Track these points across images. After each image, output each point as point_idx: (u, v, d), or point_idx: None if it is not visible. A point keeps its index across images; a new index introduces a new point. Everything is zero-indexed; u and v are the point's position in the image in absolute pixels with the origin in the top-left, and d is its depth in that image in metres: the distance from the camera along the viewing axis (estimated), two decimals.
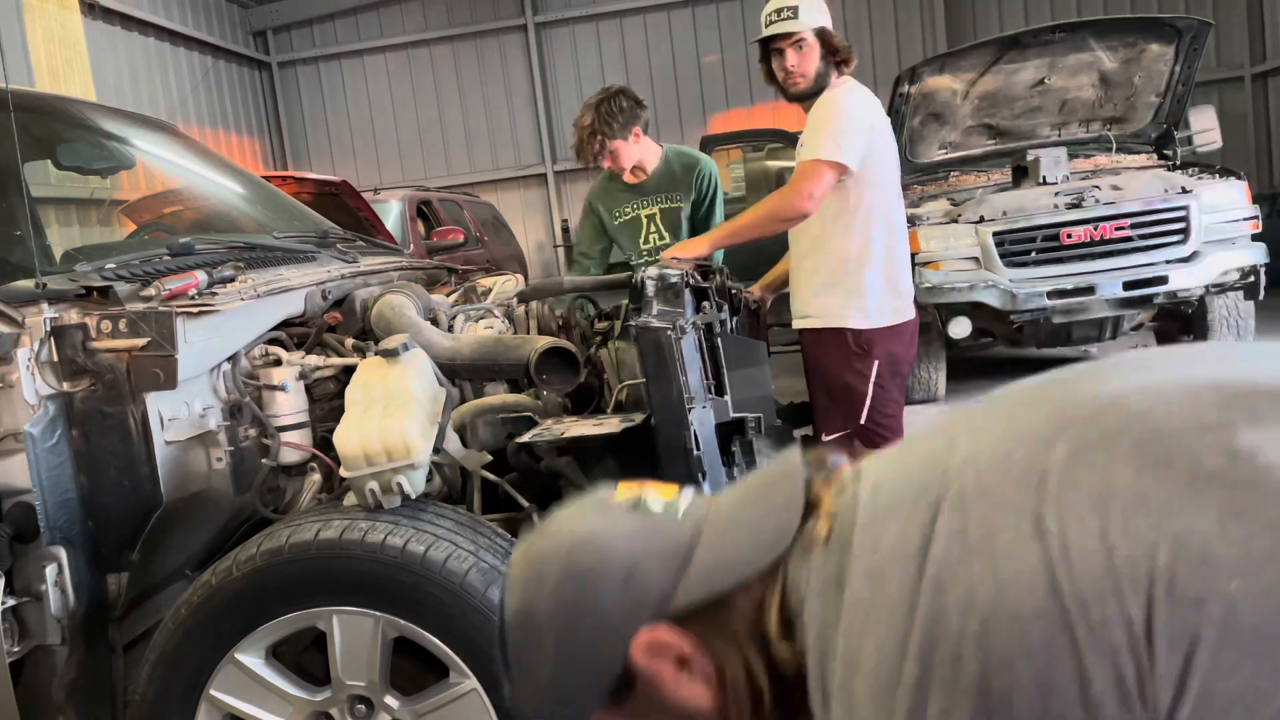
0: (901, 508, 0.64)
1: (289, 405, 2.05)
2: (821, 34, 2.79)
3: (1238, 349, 0.62)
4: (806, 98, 2.82)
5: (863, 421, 2.77)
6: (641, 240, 3.62)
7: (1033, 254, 5.80)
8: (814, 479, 0.76)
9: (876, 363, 2.73)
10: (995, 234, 5.79)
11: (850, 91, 2.76)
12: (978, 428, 0.65)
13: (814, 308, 2.80)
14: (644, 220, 3.64)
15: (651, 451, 1.86)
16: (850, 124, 2.63)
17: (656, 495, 0.83)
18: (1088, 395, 0.62)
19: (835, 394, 2.79)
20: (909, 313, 2.83)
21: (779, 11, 2.81)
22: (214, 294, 1.94)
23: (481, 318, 2.57)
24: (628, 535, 0.80)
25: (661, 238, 3.54)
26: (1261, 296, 5.81)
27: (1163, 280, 5.61)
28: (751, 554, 0.75)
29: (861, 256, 2.72)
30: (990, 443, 0.63)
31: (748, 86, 12.49)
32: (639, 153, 3.49)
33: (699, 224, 3.56)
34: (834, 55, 2.79)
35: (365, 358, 2.07)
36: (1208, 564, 0.52)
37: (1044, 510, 0.57)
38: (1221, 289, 5.77)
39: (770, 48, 2.84)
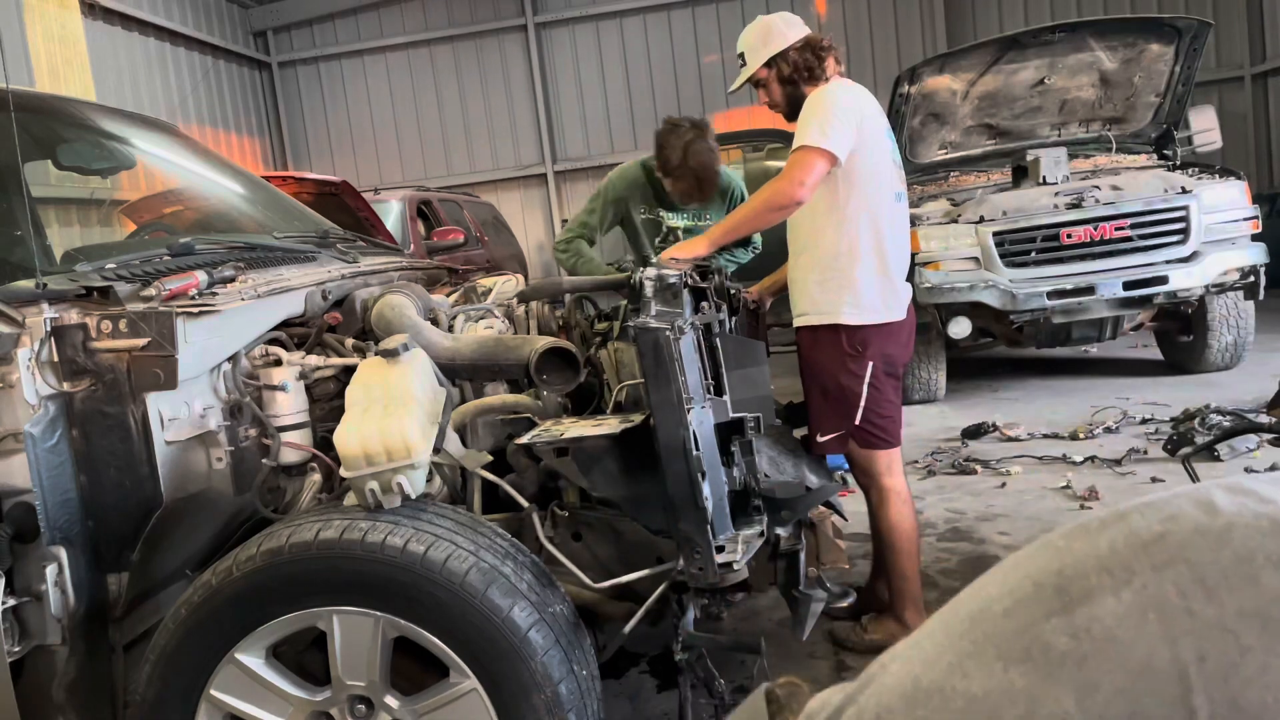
0: None
1: (289, 405, 2.05)
2: (775, 63, 2.84)
3: (1076, 534, 0.65)
4: (793, 119, 2.85)
5: (857, 422, 2.77)
6: (659, 241, 3.69)
7: (1033, 254, 5.80)
8: (778, 715, 0.77)
9: (871, 363, 2.73)
10: (995, 234, 5.80)
11: (838, 86, 2.77)
12: (892, 655, 0.68)
13: (808, 304, 2.80)
14: (666, 229, 3.72)
15: (651, 452, 1.86)
16: (836, 114, 2.63)
17: None
18: (968, 609, 0.64)
19: (830, 394, 2.79)
20: (904, 311, 2.83)
21: (738, 58, 2.98)
22: (214, 294, 1.94)
23: (481, 318, 2.57)
24: None
25: None
26: (1261, 296, 5.82)
27: (1163, 280, 5.62)
28: None
29: (853, 251, 2.72)
30: (896, 667, 0.66)
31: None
32: None
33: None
34: (796, 74, 2.81)
35: (365, 358, 2.07)
36: None
37: None
38: (1221, 289, 5.78)
39: None
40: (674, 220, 3.74)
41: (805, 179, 2.59)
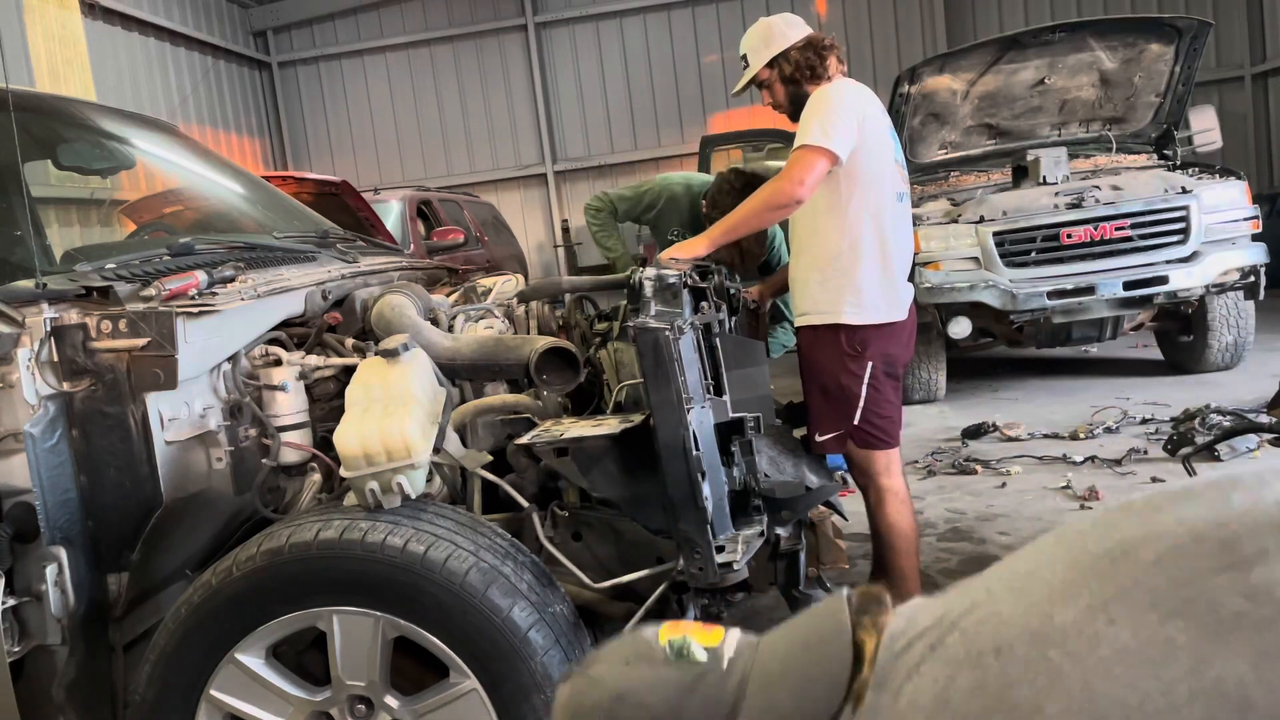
0: (923, 662, 0.63)
1: (289, 405, 2.05)
2: (777, 64, 2.85)
3: (1229, 485, 0.60)
4: (797, 118, 2.85)
5: (856, 422, 2.77)
6: None
7: (1033, 254, 5.80)
8: (859, 626, 0.73)
9: (870, 363, 2.73)
10: (995, 234, 5.80)
11: (840, 85, 2.77)
12: (1000, 584, 0.65)
13: (809, 304, 2.80)
14: None
15: (651, 452, 1.86)
16: (837, 113, 2.63)
17: (699, 641, 0.80)
18: (1102, 547, 0.60)
19: (829, 394, 2.79)
20: (905, 311, 2.82)
21: (740, 60, 2.98)
22: (214, 294, 1.94)
23: (481, 318, 2.57)
24: (671, 691, 0.77)
25: None
26: (1261, 296, 5.82)
27: (1163, 280, 5.62)
28: (800, 715, 0.72)
29: (854, 251, 2.72)
30: (1009, 598, 0.62)
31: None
32: None
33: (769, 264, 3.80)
34: (798, 73, 2.82)
35: (365, 358, 2.07)
36: (1248, 711, 0.50)
37: (1064, 665, 0.56)
38: (1221, 289, 5.78)
39: None
40: None
41: (805, 178, 2.58)
